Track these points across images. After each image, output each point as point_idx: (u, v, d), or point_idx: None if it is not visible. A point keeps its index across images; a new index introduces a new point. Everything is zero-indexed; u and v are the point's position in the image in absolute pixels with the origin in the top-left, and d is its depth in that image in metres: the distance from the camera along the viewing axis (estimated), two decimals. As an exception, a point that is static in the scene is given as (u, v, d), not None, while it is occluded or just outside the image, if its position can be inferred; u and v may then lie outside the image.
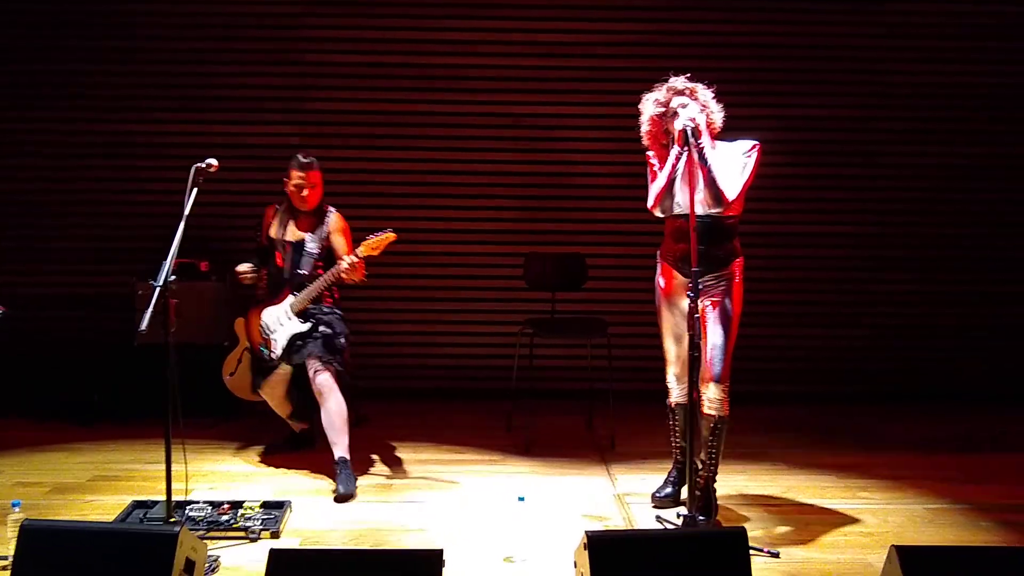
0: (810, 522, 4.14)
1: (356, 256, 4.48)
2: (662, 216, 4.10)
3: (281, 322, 4.74)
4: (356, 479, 4.50)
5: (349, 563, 3.12)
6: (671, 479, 4.37)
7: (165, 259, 3.67)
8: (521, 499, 4.31)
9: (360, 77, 6.37)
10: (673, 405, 4.26)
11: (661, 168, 4.02)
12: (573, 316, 5.90)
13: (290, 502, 4.18)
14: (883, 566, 3.10)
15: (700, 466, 4.07)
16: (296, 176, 4.75)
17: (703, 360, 3.94)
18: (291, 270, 4.79)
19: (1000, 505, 4.38)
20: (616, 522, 4.15)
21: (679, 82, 4.05)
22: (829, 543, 3.91)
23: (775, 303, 6.43)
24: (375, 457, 5.05)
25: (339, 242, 4.79)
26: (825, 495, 4.51)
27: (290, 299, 4.74)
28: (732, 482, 4.61)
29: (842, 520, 4.17)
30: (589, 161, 6.41)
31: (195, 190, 3.86)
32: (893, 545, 3.05)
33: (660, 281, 4.19)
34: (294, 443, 5.12)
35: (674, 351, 4.17)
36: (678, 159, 3.93)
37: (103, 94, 6.29)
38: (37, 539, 3.07)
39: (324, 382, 4.59)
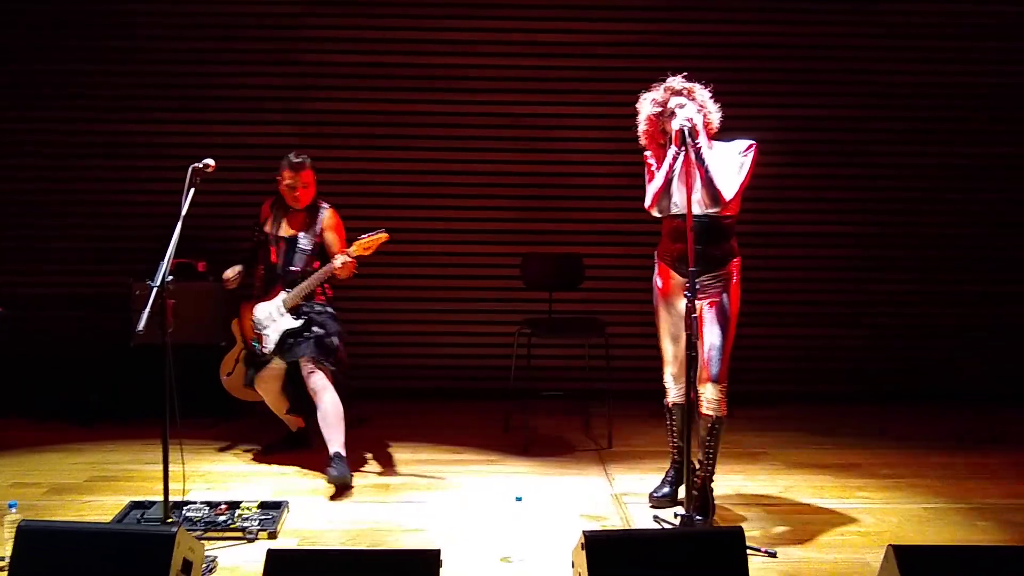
0: (808, 522, 4.14)
1: (348, 255, 4.50)
2: (659, 216, 4.10)
3: (273, 318, 4.77)
4: (352, 474, 4.52)
5: (347, 563, 3.11)
6: (668, 479, 4.37)
7: (162, 259, 3.68)
8: (519, 499, 4.30)
9: (360, 77, 6.37)
10: (671, 405, 4.27)
11: (658, 168, 4.02)
12: (571, 316, 5.90)
13: (287, 502, 4.18)
14: (880, 566, 3.09)
15: (697, 466, 4.07)
16: (288, 176, 4.79)
17: (701, 360, 3.94)
18: (284, 266, 4.82)
19: (998, 505, 4.39)
20: (614, 522, 4.15)
21: (676, 82, 4.05)
22: (827, 543, 3.91)
23: (774, 303, 6.42)
24: (373, 457, 5.05)
25: (332, 239, 4.83)
26: (823, 495, 4.51)
27: (283, 295, 4.77)
28: (730, 482, 4.61)
29: (840, 520, 4.17)
30: (587, 161, 6.41)
31: (192, 190, 3.87)
32: (891, 545, 3.04)
33: (658, 281, 4.19)
34: (291, 443, 5.12)
35: (672, 351, 4.17)
36: (675, 159, 3.94)
37: (103, 94, 6.29)
38: (34, 540, 3.07)
39: (318, 381, 4.63)
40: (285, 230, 4.87)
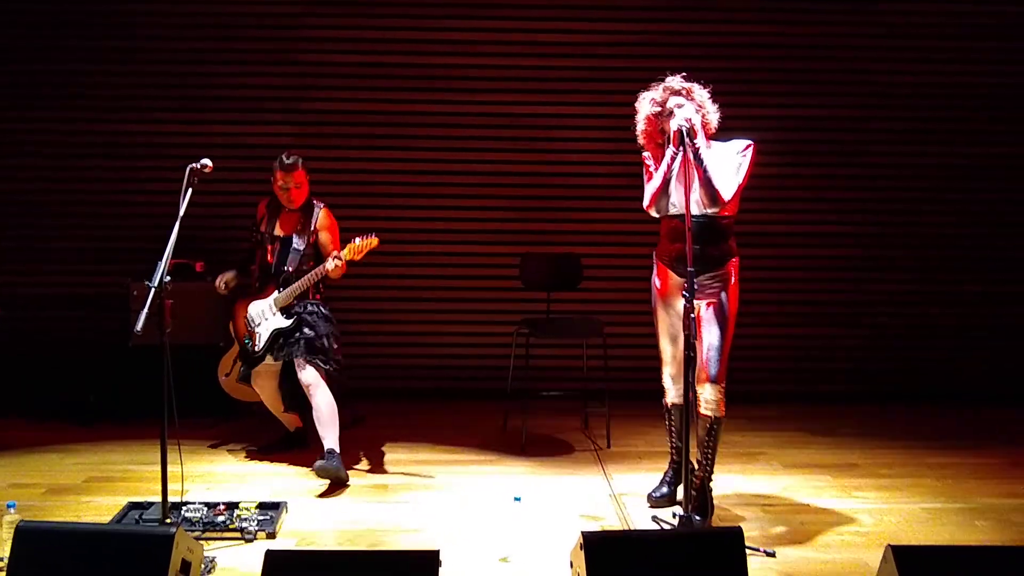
0: (806, 522, 4.14)
1: (340, 259, 4.54)
2: (657, 216, 4.10)
3: (265, 316, 4.82)
4: (345, 471, 4.56)
5: (345, 564, 3.11)
6: (667, 479, 4.37)
7: (160, 260, 3.68)
8: (517, 499, 4.31)
9: (359, 77, 6.37)
10: (669, 406, 4.26)
11: (656, 168, 4.02)
12: (569, 316, 5.90)
13: (286, 503, 4.18)
14: (879, 566, 3.09)
15: (696, 466, 4.07)
16: (280, 177, 4.82)
17: (699, 360, 3.94)
18: (278, 265, 4.86)
19: (998, 505, 4.38)
20: (612, 522, 4.15)
21: (676, 81, 4.04)
22: (825, 543, 3.90)
23: (774, 303, 6.43)
24: (371, 457, 5.05)
25: (326, 239, 4.87)
26: (821, 495, 4.51)
27: (275, 294, 4.80)
28: (728, 482, 4.61)
29: (838, 520, 4.17)
30: (585, 161, 6.41)
31: (190, 191, 3.87)
32: (889, 545, 3.04)
33: (656, 282, 4.19)
34: (289, 443, 5.13)
35: (670, 351, 4.17)
36: (673, 159, 3.93)
37: (103, 94, 6.29)
38: (32, 541, 3.06)
39: (310, 378, 4.67)
40: (279, 230, 4.91)
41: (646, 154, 4.11)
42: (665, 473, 4.40)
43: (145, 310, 3.56)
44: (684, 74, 4.07)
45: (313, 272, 4.71)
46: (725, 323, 4.00)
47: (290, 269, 4.82)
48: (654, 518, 4.13)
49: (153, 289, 3.61)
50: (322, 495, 4.41)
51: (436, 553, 3.00)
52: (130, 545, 3.08)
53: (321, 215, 4.89)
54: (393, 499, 4.43)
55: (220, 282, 5.04)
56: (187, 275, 5.72)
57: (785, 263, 6.47)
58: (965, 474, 4.85)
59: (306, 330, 4.74)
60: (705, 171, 3.90)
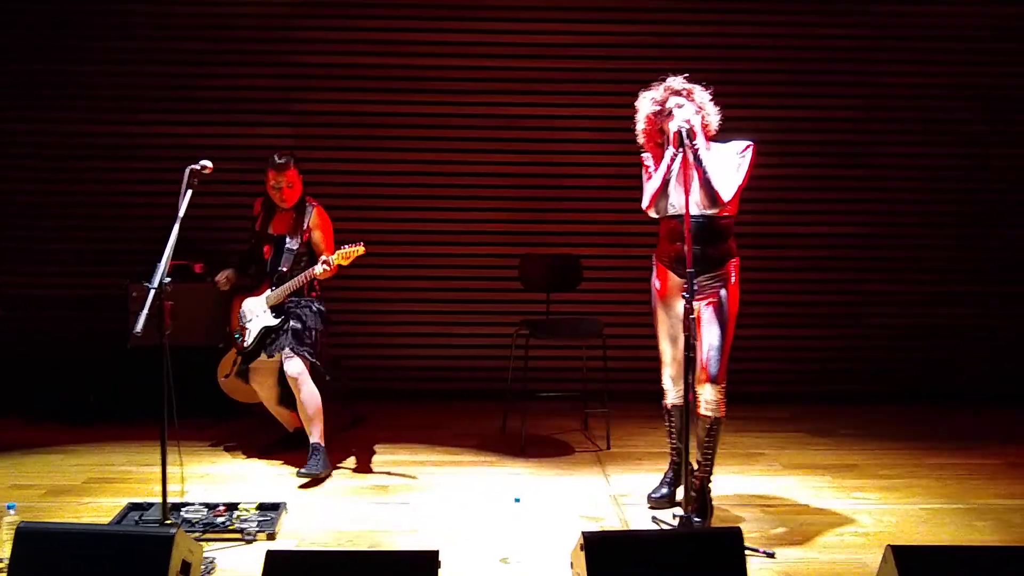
0: (806, 522, 4.14)
1: (330, 263, 4.59)
2: (657, 217, 4.10)
3: (256, 313, 4.86)
4: (330, 465, 4.62)
5: (345, 564, 3.12)
6: (667, 480, 4.37)
7: (160, 261, 3.68)
8: (517, 500, 4.32)
9: (357, 79, 6.36)
10: (669, 407, 4.26)
11: (656, 168, 4.02)
12: (569, 317, 5.89)
13: (286, 503, 4.19)
14: (879, 566, 3.09)
15: (696, 467, 4.06)
16: (272, 177, 4.84)
17: (699, 361, 3.94)
18: (273, 264, 4.89)
19: (997, 505, 4.39)
20: (612, 523, 4.15)
21: (676, 82, 4.05)
22: (825, 543, 3.90)
23: (774, 303, 6.42)
24: (371, 458, 5.05)
25: (319, 238, 4.89)
26: (821, 495, 4.51)
27: (268, 292, 4.83)
28: (728, 482, 4.61)
29: (838, 520, 4.17)
30: (584, 162, 6.40)
31: (189, 192, 3.87)
32: (889, 545, 3.04)
33: (656, 283, 4.18)
34: (289, 444, 5.12)
35: (670, 352, 4.16)
36: (672, 160, 3.93)
37: (103, 94, 6.28)
38: (32, 542, 3.07)
39: (294, 369, 4.69)
40: (273, 229, 4.94)
41: (645, 154, 4.11)
42: (665, 474, 4.40)
43: (145, 311, 3.56)
44: (686, 75, 4.07)
45: (303, 274, 4.75)
46: (725, 323, 3.99)
47: (284, 268, 4.85)
48: (654, 519, 4.13)
49: (153, 290, 3.61)
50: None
51: (436, 553, 3.01)
52: (130, 546, 3.08)
53: (314, 214, 4.90)
54: (393, 500, 4.43)
55: (221, 276, 5.03)
56: (186, 276, 5.70)
57: (785, 263, 6.47)
58: (965, 474, 4.85)
59: (293, 322, 4.78)
60: (704, 172, 3.90)
